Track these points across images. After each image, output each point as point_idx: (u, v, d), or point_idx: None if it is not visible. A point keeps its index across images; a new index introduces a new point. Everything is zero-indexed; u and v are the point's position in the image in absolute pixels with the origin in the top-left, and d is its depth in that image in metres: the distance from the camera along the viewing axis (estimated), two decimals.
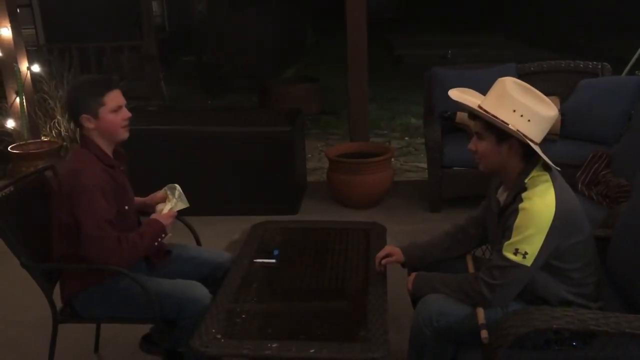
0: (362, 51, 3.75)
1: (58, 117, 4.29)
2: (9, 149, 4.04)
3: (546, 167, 1.55)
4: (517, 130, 1.49)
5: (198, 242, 2.20)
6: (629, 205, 1.80)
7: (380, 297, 1.68)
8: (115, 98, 1.78)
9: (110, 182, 1.76)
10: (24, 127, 4.07)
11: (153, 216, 1.89)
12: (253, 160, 3.40)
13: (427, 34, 11.75)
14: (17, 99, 4.07)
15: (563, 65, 3.63)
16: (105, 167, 1.78)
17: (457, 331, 1.56)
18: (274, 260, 1.93)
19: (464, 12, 13.15)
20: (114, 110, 1.77)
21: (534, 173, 1.54)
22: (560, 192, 1.52)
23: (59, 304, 1.89)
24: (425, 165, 3.75)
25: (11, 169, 4.03)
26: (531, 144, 1.50)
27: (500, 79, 1.56)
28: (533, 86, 1.55)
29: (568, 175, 1.65)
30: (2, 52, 4.07)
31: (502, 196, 1.64)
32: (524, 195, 1.52)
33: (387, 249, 1.85)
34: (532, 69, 3.62)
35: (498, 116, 1.50)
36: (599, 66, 3.55)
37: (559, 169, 1.55)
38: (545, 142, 1.57)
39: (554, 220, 1.47)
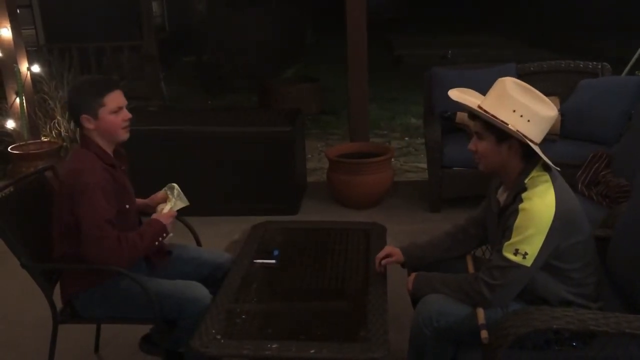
0: (362, 51, 3.75)
1: (58, 117, 4.29)
2: (9, 149, 4.04)
3: (546, 168, 1.55)
4: (517, 130, 1.49)
5: (198, 243, 2.20)
6: (629, 206, 1.80)
7: (380, 297, 1.68)
8: (115, 99, 1.78)
9: (111, 182, 1.76)
10: (24, 127, 4.07)
11: (153, 216, 1.89)
12: (253, 160, 3.40)
13: (427, 34, 11.75)
14: (17, 100, 4.07)
15: (563, 65, 3.63)
16: (106, 166, 1.78)
17: (457, 331, 1.56)
18: (274, 261, 1.93)
19: (464, 12, 13.15)
20: (114, 111, 1.77)
21: (534, 173, 1.54)
22: (560, 192, 1.52)
23: (59, 304, 1.89)
24: (425, 166, 3.75)
25: (11, 170, 4.03)
26: (531, 144, 1.50)
27: (500, 79, 1.56)
28: (533, 86, 1.55)
29: (568, 176, 1.65)
30: (2, 52, 4.07)
31: (502, 196, 1.64)
32: (524, 195, 1.52)
33: (387, 249, 1.85)
34: (531, 69, 3.62)
35: (498, 116, 1.50)
36: (599, 66, 3.55)
37: (558, 169, 1.55)
38: (545, 142, 1.57)
39: (554, 221, 1.47)
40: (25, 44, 4.32)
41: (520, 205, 1.50)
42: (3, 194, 1.84)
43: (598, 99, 3.20)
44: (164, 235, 1.84)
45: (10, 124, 4.23)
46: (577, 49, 8.44)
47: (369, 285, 1.75)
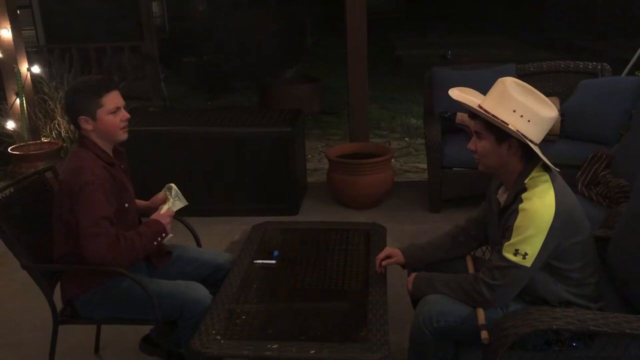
0: (362, 51, 3.75)
1: (58, 118, 4.28)
2: (9, 150, 4.04)
3: (546, 168, 1.55)
4: (517, 130, 1.49)
5: (198, 243, 2.20)
6: (629, 206, 1.80)
7: (380, 298, 1.68)
8: (113, 99, 1.78)
9: (110, 180, 1.76)
10: (24, 128, 4.07)
11: (152, 216, 1.89)
12: (253, 160, 3.40)
13: (427, 34, 11.75)
14: (17, 100, 4.07)
15: (563, 65, 3.63)
16: (105, 164, 1.78)
17: (457, 331, 1.56)
18: (274, 261, 1.93)
19: (465, 13, 13.15)
20: (112, 111, 1.77)
21: (533, 173, 1.54)
22: (560, 192, 1.52)
23: (59, 305, 1.89)
24: (425, 166, 3.75)
25: (11, 170, 4.03)
26: (531, 144, 1.49)
27: (500, 79, 1.56)
28: (533, 87, 1.55)
29: (568, 176, 1.65)
30: (2, 53, 4.07)
31: (502, 197, 1.64)
32: (523, 195, 1.52)
33: (387, 250, 1.85)
34: (531, 69, 3.62)
35: (498, 116, 1.50)
36: (599, 66, 3.55)
37: (558, 170, 1.55)
38: (545, 143, 1.57)
39: (554, 221, 1.47)
40: (25, 45, 4.32)
41: (520, 206, 1.50)
42: (3, 195, 1.83)
43: (598, 99, 3.20)
44: (163, 235, 1.84)
45: (11, 125, 4.23)
46: (578, 49, 8.45)
47: (369, 286, 1.75)
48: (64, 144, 4.27)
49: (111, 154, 1.84)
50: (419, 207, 3.53)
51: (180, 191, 1.98)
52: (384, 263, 1.81)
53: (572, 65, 3.61)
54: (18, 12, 4.25)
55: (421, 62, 7.13)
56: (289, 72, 8.73)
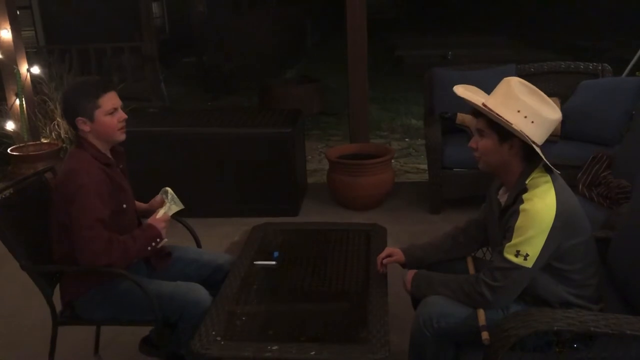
0: (363, 52, 3.75)
1: (58, 119, 4.28)
2: (8, 150, 4.04)
3: (547, 169, 1.55)
4: (520, 131, 1.49)
5: (198, 244, 2.19)
6: (631, 207, 1.80)
7: (380, 299, 1.67)
8: (110, 100, 1.77)
9: (107, 181, 1.75)
10: (24, 129, 4.07)
11: (148, 220, 1.88)
12: (253, 161, 3.39)
13: (428, 35, 11.75)
14: (17, 101, 4.07)
15: (563, 66, 3.63)
16: (102, 166, 1.77)
17: (457, 332, 1.55)
18: (274, 262, 1.93)
19: (466, 13, 13.16)
20: (110, 112, 1.77)
21: (534, 174, 1.54)
22: (561, 193, 1.51)
23: (58, 306, 1.88)
24: (425, 167, 3.75)
25: (11, 171, 4.03)
26: (534, 145, 1.49)
27: (506, 79, 1.56)
28: None
29: (569, 177, 1.65)
30: (2, 53, 4.07)
31: (503, 197, 1.64)
32: (524, 196, 1.51)
33: (388, 249, 1.85)
34: (532, 70, 3.62)
35: (502, 115, 1.49)
36: (599, 67, 3.55)
37: (559, 172, 1.55)
38: (546, 143, 1.57)
39: (554, 222, 1.47)
40: (25, 46, 4.32)
41: (521, 206, 1.50)
42: (3, 196, 1.83)
43: (598, 99, 3.20)
44: (158, 240, 1.83)
45: (10, 126, 4.23)
46: (578, 49, 8.44)
47: (369, 287, 1.75)
48: (64, 145, 4.26)
49: (109, 154, 1.84)
50: (419, 208, 3.52)
51: (181, 192, 1.97)
52: (385, 261, 1.81)
53: (572, 66, 3.61)
54: (18, 12, 4.25)
55: (421, 62, 7.12)
56: (289, 73, 8.74)
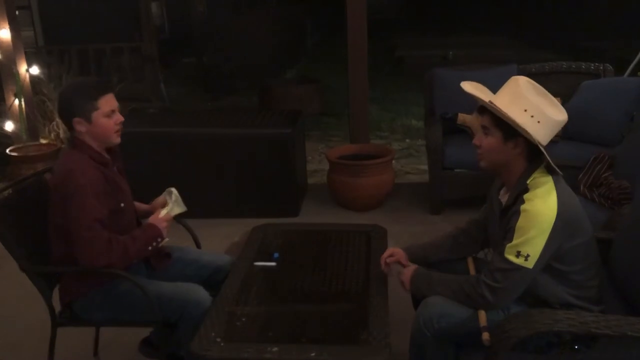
0: (363, 52, 3.75)
1: (57, 119, 4.28)
2: (7, 151, 4.03)
3: (549, 170, 1.54)
4: (526, 130, 1.48)
5: (198, 245, 2.19)
6: (632, 208, 1.79)
7: (381, 300, 1.67)
8: (108, 102, 1.77)
9: (103, 181, 1.75)
10: (23, 129, 4.07)
11: (149, 220, 1.87)
12: (253, 162, 3.39)
13: (429, 35, 11.75)
14: (16, 101, 4.07)
15: (564, 66, 3.63)
16: (97, 165, 1.76)
17: (458, 333, 1.55)
18: (274, 263, 1.92)
19: (466, 13, 13.16)
20: (107, 114, 1.77)
21: (536, 174, 1.54)
22: (562, 193, 1.51)
23: (57, 307, 1.88)
24: (426, 167, 3.74)
25: (10, 172, 4.02)
26: (539, 145, 1.49)
27: (514, 77, 1.56)
28: None
29: (570, 177, 1.64)
30: (1, 54, 4.07)
31: (504, 197, 1.64)
32: (525, 196, 1.51)
33: (390, 250, 1.84)
34: (533, 70, 3.62)
35: (509, 114, 1.49)
36: (601, 67, 3.54)
37: (561, 173, 1.54)
38: (548, 144, 1.56)
39: (555, 222, 1.46)
40: (24, 46, 4.32)
41: (522, 207, 1.49)
42: (2, 197, 1.83)
43: (600, 100, 3.19)
44: (159, 240, 1.82)
45: (9, 126, 4.23)
46: (580, 50, 8.44)
47: (370, 288, 1.74)
48: (63, 145, 4.26)
49: (105, 154, 1.83)
50: (420, 208, 3.52)
51: (181, 192, 1.97)
52: (388, 260, 1.80)
53: (574, 66, 3.60)
54: (17, 13, 4.24)
55: (422, 62, 7.11)
56: (289, 73, 8.73)
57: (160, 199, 1.99)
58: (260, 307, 1.71)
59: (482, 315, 1.52)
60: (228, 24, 8.05)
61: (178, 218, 1.97)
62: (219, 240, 2.89)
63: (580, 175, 2.59)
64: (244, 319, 1.62)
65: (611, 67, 3.55)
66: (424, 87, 3.75)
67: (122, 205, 1.83)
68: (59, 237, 1.77)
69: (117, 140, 1.82)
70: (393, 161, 3.70)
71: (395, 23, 13.63)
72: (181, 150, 3.41)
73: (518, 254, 1.47)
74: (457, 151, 3.28)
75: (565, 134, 3.21)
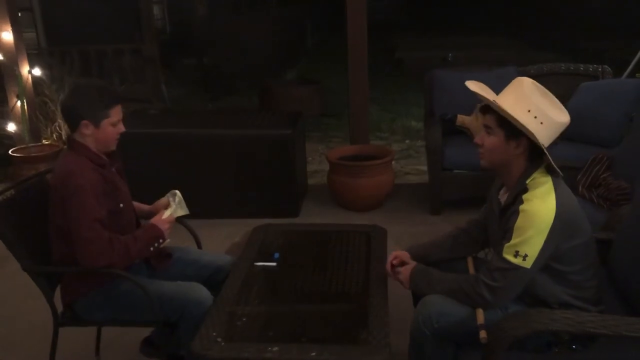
0: (363, 53, 3.76)
1: (59, 120, 4.30)
2: (10, 152, 4.05)
3: (549, 171, 1.55)
4: (529, 130, 1.49)
5: (199, 245, 2.20)
6: (632, 208, 1.80)
7: (381, 300, 1.68)
8: (118, 112, 1.80)
9: (101, 182, 1.76)
10: (25, 130, 4.08)
11: (152, 220, 1.88)
12: (254, 162, 3.40)
13: (428, 36, 11.75)
14: (18, 103, 4.08)
15: (563, 68, 3.64)
16: (95, 166, 1.78)
17: (457, 332, 1.56)
18: (274, 264, 1.93)
19: (466, 14, 13.16)
20: (114, 124, 1.79)
21: (535, 175, 1.55)
22: (561, 194, 1.52)
23: (59, 307, 1.89)
24: (425, 168, 3.75)
25: (12, 172, 4.04)
26: (542, 147, 1.50)
27: (519, 78, 1.57)
28: None
29: (568, 178, 1.65)
30: (3, 55, 4.08)
31: (503, 197, 1.65)
32: (524, 196, 1.52)
33: (394, 253, 1.84)
34: (532, 71, 3.63)
35: (513, 114, 1.50)
36: (599, 69, 3.55)
37: (562, 174, 1.56)
38: (548, 145, 1.57)
39: (554, 222, 1.47)
40: (26, 47, 4.33)
41: (521, 207, 1.50)
42: (4, 197, 1.84)
43: (598, 101, 3.20)
44: (160, 241, 1.83)
45: (12, 127, 4.24)
46: (578, 50, 8.45)
47: (370, 288, 1.75)
48: (65, 146, 4.27)
49: (102, 155, 1.84)
50: (420, 209, 3.53)
51: (182, 193, 1.98)
52: (394, 262, 1.80)
53: (572, 68, 3.61)
54: (19, 14, 4.26)
55: (422, 64, 7.12)
56: (289, 74, 8.74)
57: (163, 200, 2.00)
58: (260, 307, 1.72)
59: (480, 313, 1.53)
60: (228, 25, 8.06)
61: (179, 218, 1.98)
62: (220, 241, 2.91)
63: (579, 176, 2.60)
64: (244, 319, 1.63)
65: (609, 69, 3.56)
66: (423, 88, 3.76)
67: (121, 205, 1.84)
68: (60, 237, 1.78)
69: (113, 147, 1.85)
70: (393, 162, 3.71)
71: (395, 24, 13.63)
72: (182, 151, 3.42)
73: (516, 254, 1.48)
74: (456, 152, 3.29)
75: (563, 135, 3.21)
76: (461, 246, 1.84)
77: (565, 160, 2.71)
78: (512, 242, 1.49)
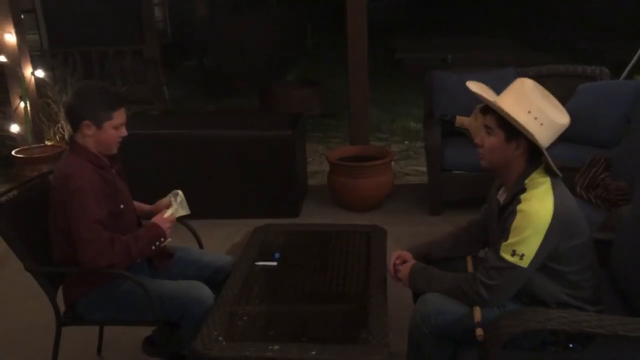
0: (363, 54, 3.77)
1: (62, 121, 4.31)
2: (13, 153, 4.07)
3: (549, 171, 1.57)
4: (529, 131, 1.50)
5: (200, 245, 2.21)
6: (633, 208, 1.80)
7: (381, 300, 1.69)
8: (121, 115, 1.81)
9: (101, 183, 1.77)
10: (28, 131, 4.10)
11: (153, 219, 1.89)
12: (254, 163, 3.41)
13: (429, 37, 11.75)
14: (22, 104, 4.11)
15: (562, 69, 3.65)
16: (95, 168, 1.79)
17: (455, 330, 1.57)
18: (275, 264, 1.95)
19: (465, 15, 13.16)
20: (117, 126, 1.80)
21: (534, 175, 1.55)
22: (559, 194, 1.53)
23: (61, 306, 1.90)
24: (425, 169, 3.76)
25: (15, 173, 4.06)
26: (542, 148, 1.51)
27: (520, 79, 1.58)
28: None
29: (567, 179, 1.66)
30: (6, 57, 4.10)
31: (502, 197, 1.66)
32: (522, 196, 1.53)
33: (396, 253, 1.85)
34: (531, 73, 3.63)
35: (513, 115, 1.51)
36: (597, 70, 3.56)
37: (561, 175, 1.57)
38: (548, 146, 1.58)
39: (551, 223, 1.48)
40: (29, 49, 4.35)
41: (519, 207, 1.51)
42: (7, 198, 1.85)
43: (597, 102, 3.21)
44: (162, 240, 1.84)
45: (15, 128, 4.26)
46: (577, 51, 8.45)
47: (369, 288, 1.76)
48: (67, 148, 4.29)
49: (102, 157, 1.85)
50: (419, 209, 3.54)
51: (184, 194, 1.99)
52: (397, 262, 1.81)
53: (571, 69, 3.62)
54: (22, 16, 4.28)
55: (421, 65, 7.14)
56: (289, 75, 8.76)
57: (164, 200, 2.01)
58: (261, 307, 1.73)
59: (477, 311, 1.54)
60: (228, 26, 8.08)
61: (180, 218, 1.99)
62: (221, 241, 2.92)
63: (577, 177, 2.61)
64: (245, 318, 1.64)
65: (607, 70, 3.57)
66: (423, 89, 3.78)
67: (122, 207, 1.85)
68: (61, 238, 1.79)
69: (115, 151, 1.86)
70: (392, 163, 3.72)
71: (395, 25, 13.63)
72: (183, 152, 3.43)
73: (513, 253, 1.49)
74: (455, 153, 3.31)
75: (562, 136, 3.23)
76: (462, 245, 1.86)
77: (563, 161, 2.72)
78: (510, 241, 1.51)
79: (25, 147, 4.11)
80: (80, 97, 1.80)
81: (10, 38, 4.06)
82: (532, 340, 1.53)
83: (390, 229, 2.25)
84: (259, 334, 1.59)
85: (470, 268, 1.78)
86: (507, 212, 1.57)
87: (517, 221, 1.50)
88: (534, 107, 1.50)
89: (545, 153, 1.52)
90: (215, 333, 1.55)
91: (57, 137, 4.35)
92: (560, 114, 1.54)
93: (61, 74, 4.57)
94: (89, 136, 1.79)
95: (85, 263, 1.72)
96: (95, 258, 1.71)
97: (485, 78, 3.54)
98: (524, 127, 1.49)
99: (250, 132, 3.47)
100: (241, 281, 1.83)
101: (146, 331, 2.06)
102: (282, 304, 1.78)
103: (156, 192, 2.07)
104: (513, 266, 1.50)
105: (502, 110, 1.52)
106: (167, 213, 1.90)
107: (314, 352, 1.46)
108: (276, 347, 1.49)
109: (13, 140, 4.30)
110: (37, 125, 4.25)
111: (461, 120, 3.38)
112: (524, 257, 1.49)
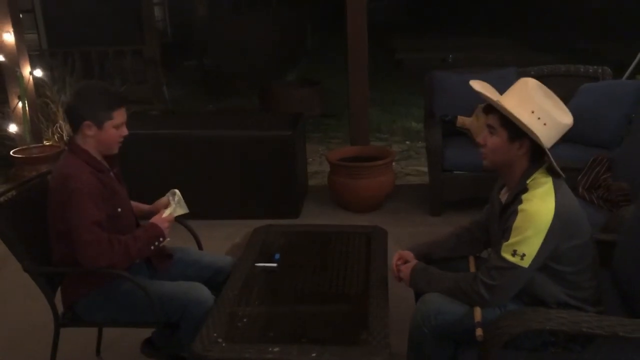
0: (363, 54, 3.77)
1: (60, 121, 4.31)
2: (11, 153, 4.06)
3: (551, 172, 1.56)
4: (533, 131, 1.49)
5: (199, 246, 2.20)
6: (635, 209, 1.80)
7: (381, 301, 1.68)
8: (121, 115, 1.80)
9: (99, 186, 1.76)
10: (27, 131, 4.09)
11: (152, 219, 1.89)
12: (254, 163, 3.41)
13: (429, 37, 11.76)
14: (20, 104, 4.10)
15: (563, 69, 3.64)
16: (93, 171, 1.78)
17: (455, 330, 1.57)
18: (275, 264, 1.94)
19: (466, 15, 13.17)
20: (117, 126, 1.79)
21: (536, 175, 1.55)
22: (561, 195, 1.52)
23: (60, 308, 1.89)
24: (426, 169, 3.76)
25: (14, 173, 4.05)
26: (545, 148, 1.50)
27: (523, 79, 1.58)
28: None
29: (569, 179, 1.66)
30: (4, 57, 4.09)
31: (504, 196, 1.65)
32: (524, 196, 1.52)
33: (398, 253, 1.84)
34: (532, 73, 3.62)
35: (516, 114, 1.50)
36: (599, 70, 3.55)
37: (564, 175, 1.56)
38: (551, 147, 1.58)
39: (552, 223, 1.47)
40: (27, 49, 4.35)
41: (520, 207, 1.51)
42: (6, 198, 1.84)
43: (599, 103, 3.21)
44: (161, 239, 1.84)
45: (13, 128, 4.25)
46: (579, 51, 8.45)
47: (370, 288, 1.76)
48: (66, 147, 4.28)
49: (102, 160, 1.84)
50: (420, 210, 3.53)
51: (182, 194, 1.99)
52: (399, 262, 1.80)
53: (572, 69, 3.61)
54: (21, 16, 4.27)
55: (421, 65, 7.13)
56: (289, 75, 8.76)
57: (163, 199, 2.00)
58: (261, 308, 1.72)
59: (477, 311, 1.54)
60: (228, 26, 8.08)
61: (180, 219, 1.99)
62: (221, 241, 2.91)
63: (579, 177, 2.60)
64: (245, 320, 1.63)
65: (609, 70, 3.56)
66: (423, 89, 3.77)
67: (119, 210, 1.84)
68: (59, 238, 1.79)
69: (116, 150, 1.86)
70: (393, 163, 3.72)
71: (395, 25, 13.64)
72: (183, 152, 3.43)
73: (514, 253, 1.49)
74: (456, 153, 3.30)
75: (563, 137, 3.22)
76: (464, 245, 1.85)
77: (565, 161, 2.71)
78: (511, 241, 1.50)
79: (23, 147, 4.10)
80: (80, 98, 1.79)
81: (9, 37, 4.05)
82: (533, 340, 1.52)
83: (390, 230, 2.24)
84: (259, 335, 1.58)
85: (472, 268, 1.78)
86: (508, 211, 1.56)
87: (519, 221, 1.50)
88: (538, 106, 1.50)
89: (548, 153, 1.51)
90: (215, 334, 1.54)
91: (56, 137, 4.34)
92: (564, 113, 1.53)
93: (60, 74, 4.56)
94: (90, 137, 1.78)
95: (85, 264, 1.72)
96: (95, 259, 1.70)
97: (486, 78, 3.52)
98: (527, 127, 1.49)
99: (250, 132, 3.47)
100: (241, 282, 1.82)
101: (145, 332, 2.05)
102: (282, 305, 1.77)
103: (156, 192, 2.06)
104: (514, 266, 1.50)
105: (506, 110, 1.51)
106: (166, 213, 1.90)
107: (314, 354, 1.46)
108: (276, 348, 1.48)
109: (11, 140, 4.30)
110: (35, 125, 4.24)
111: (462, 120, 3.37)
112: (525, 257, 1.48)
